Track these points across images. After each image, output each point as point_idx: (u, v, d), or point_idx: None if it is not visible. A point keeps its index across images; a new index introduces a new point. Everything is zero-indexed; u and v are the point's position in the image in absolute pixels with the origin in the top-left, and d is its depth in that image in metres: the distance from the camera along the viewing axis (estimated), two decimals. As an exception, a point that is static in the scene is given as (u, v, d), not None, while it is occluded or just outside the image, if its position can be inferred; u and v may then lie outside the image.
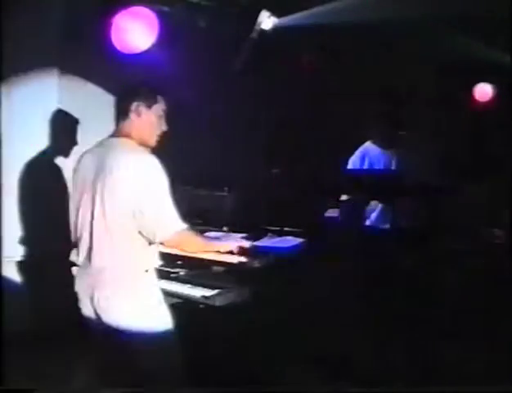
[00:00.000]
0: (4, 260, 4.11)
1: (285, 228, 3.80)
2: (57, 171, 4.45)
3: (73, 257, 2.95)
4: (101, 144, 2.95)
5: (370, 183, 3.13)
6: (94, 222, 2.80)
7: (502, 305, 3.41)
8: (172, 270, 3.29)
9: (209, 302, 2.97)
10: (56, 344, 3.96)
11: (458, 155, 5.05)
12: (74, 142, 4.43)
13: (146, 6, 4.39)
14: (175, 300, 3.20)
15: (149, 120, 2.94)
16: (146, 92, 2.95)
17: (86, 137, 3.15)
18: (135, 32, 4.35)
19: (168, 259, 3.19)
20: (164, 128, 3.00)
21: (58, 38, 4.56)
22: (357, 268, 3.34)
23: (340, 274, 3.31)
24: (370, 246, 3.33)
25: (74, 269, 2.95)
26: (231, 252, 3.10)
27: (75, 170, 2.99)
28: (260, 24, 5.20)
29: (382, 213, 3.54)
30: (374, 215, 3.76)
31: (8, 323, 3.37)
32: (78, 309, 2.93)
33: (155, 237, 2.79)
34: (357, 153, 4.09)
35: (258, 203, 4.56)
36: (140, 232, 2.79)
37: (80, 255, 2.89)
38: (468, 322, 3.67)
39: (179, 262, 3.29)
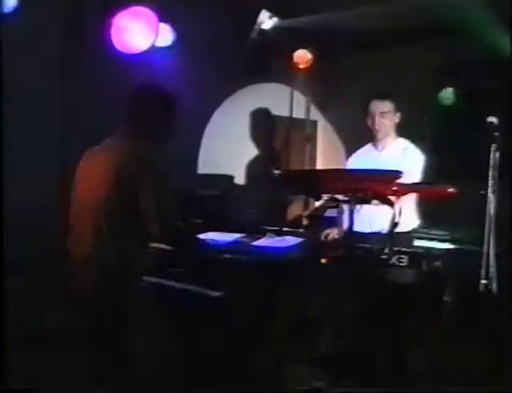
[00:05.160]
0: (5, 260, 4.10)
1: (285, 228, 3.81)
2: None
3: None
4: None
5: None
6: None
7: (503, 305, 3.41)
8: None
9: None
10: (56, 344, 3.95)
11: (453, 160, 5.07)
12: (75, 141, 4.44)
13: (146, 6, 4.39)
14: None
15: None
16: None
17: (87, 137, 3.17)
18: (135, 32, 4.34)
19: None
20: None
21: (58, 38, 4.56)
22: (358, 268, 3.34)
23: (341, 274, 3.30)
24: (367, 247, 3.33)
25: None
26: None
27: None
28: (260, 24, 5.21)
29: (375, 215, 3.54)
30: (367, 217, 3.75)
31: (8, 323, 3.37)
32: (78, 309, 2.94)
33: None
34: (356, 154, 4.09)
35: (258, 203, 4.57)
36: None
37: None
38: (469, 321, 3.66)
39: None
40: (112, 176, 2.83)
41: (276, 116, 6.29)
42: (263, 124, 6.08)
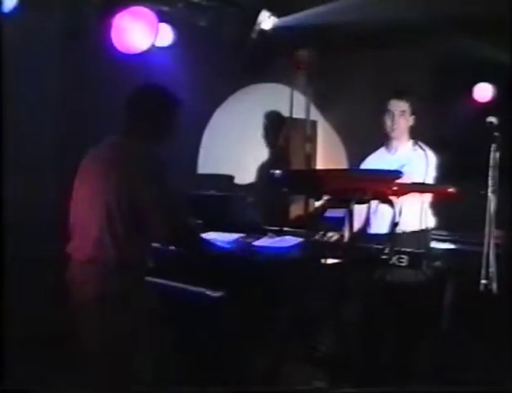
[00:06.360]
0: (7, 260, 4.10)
1: (285, 228, 3.81)
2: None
3: None
4: None
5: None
6: None
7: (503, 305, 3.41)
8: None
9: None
10: (56, 344, 3.96)
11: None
12: (75, 141, 4.44)
13: (146, 6, 4.39)
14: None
15: None
16: None
17: (87, 137, 3.18)
18: (135, 32, 4.34)
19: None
20: None
21: (58, 38, 4.56)
22: (358, 268, 3.34)
23: (340, 274, 3.31)
24: (370, 247, 3.33)
25: None
26: None
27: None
28: (260, 24, 5.21)
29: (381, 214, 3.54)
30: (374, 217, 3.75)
31: (8, 323, 3.37)
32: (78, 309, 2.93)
33: None
34: (369, 159, 4.07)
35: (258, 203, 4.56)
36: None
37: None
38: (469, 321, 3.67)
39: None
40: (115, 176, 2.83)
41: (275, 116, 6.28)
42: (263, 124, 6.07)
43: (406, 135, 3.93)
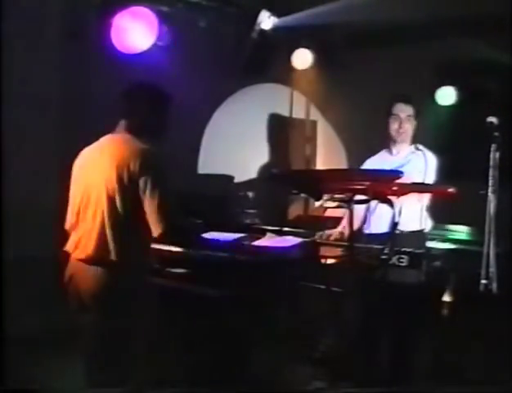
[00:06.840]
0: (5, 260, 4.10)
1: (285, 228, 3.81)
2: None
3: None
4: None
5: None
6: None
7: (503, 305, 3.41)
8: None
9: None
10: (55, 344, 3.96)
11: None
12: (74, 141, 4.44)
13: (146, 6, 4.39)
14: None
15: None
16: None
17: (87, 137, 3.18)
18: (135, 32, 4.35)
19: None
20: None
21: (58, 38, 4.56)
22: (358, 268, 3.34)
23: (341, 274, 3.31)
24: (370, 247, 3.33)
25: None
26: None
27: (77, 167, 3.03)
28: (260, 24, 5.22)
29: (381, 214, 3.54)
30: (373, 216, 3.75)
31: (8, 323, 3.36)
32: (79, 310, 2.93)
33: None
34: (369, 161, 4.06)
35: (258, 203, 4.57)
36: None
37: None
38: (469, 321, 3.67)
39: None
40: (114, 174, 2.82)
41: (276, 116, 6.30)
42: (264, 124, 6.09)
43: (409, 140, 3.92)
